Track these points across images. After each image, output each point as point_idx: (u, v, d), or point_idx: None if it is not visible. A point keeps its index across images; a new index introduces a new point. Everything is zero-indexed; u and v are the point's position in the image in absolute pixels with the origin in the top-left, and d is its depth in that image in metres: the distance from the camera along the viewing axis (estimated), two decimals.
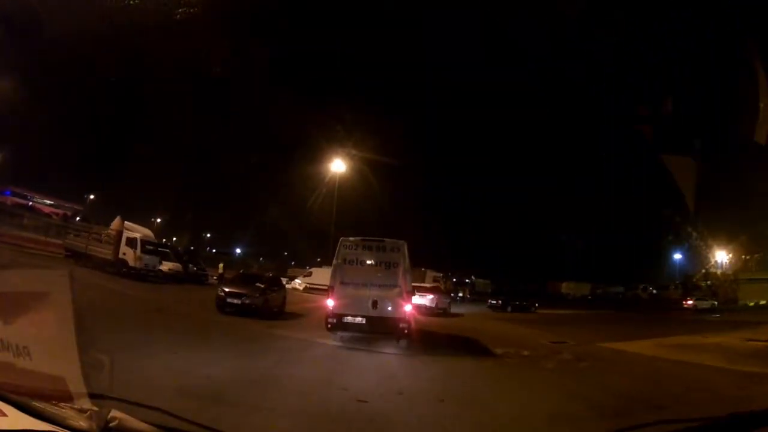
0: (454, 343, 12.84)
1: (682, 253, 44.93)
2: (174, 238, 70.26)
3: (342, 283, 10.19)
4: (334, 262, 10.44)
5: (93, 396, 1.71)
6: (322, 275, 35.58)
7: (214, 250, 65.41)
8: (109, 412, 1.47)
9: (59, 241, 22.37)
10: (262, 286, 14.31)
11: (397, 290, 10.09)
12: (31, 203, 33.94)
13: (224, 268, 29.68)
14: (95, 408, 1.52)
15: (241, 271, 27.03)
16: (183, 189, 42.65)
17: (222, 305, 13.32)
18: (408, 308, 10.10)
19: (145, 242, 20.32)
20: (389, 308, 9.98)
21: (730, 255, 41.36)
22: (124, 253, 19.57)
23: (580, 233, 45.42)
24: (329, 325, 10.06)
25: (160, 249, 22.84)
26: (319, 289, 32.99)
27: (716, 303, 33.85)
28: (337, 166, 32.60)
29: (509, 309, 28.34)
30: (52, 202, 35.06)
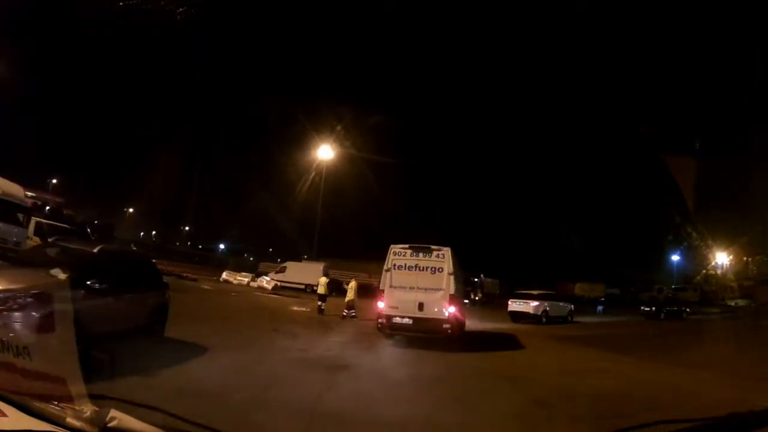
0: None
1: (687, 254, 44.51)
2: (154, 232, 70.40)
3: (391, 286, 11.15)
4: (385, 267, 11.35)
5: (93, 396, 1.71)
6: (298, 271, 28.85)
7: (200, 246, 65.25)
8: (109, 412, 1.47)
9: None
10: (62, 276, 5.57)
11: (441, 293, 10.91)
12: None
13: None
14: (95, 408, 1.52)
15: (49, 240, 11.67)
16: (162, 181, 42.27)
17: None
18: (452, 310, 10.89)
19: None
20: (434, 310, 10.83)
21: (730, 256, 40.84)
22: None
23: (582, 233, 45.05)
24: (379, 326, 11.12)
25: (46, 222, 15.98)
26: (293, 289, 26.85)
27: None
28: (326, 154, 31.37)
29: (662, 316, 26.14)
30: (33, 194, 34.86)
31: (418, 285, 11.01)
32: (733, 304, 36.35)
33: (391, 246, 11.46)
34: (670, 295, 45.34)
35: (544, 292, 22.91)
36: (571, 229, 44.53)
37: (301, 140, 32.17)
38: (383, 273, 11.37)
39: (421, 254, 11.25)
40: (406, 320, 10.84)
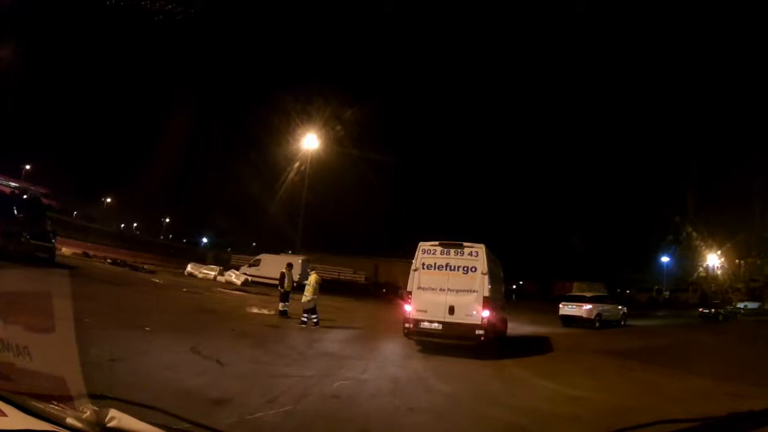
0: None
1: (683, 255, 44.52)
2: (135, 224, 70.73)
3: (420, 288, 10.33)
4: (413, 267, 10.52)
5: (93, 396, 1.71)
6: (273, 265, 25.45)
7: (184, 240, 65.87)
8: (109, 412, 1.47)
9: None
10: None
11: (474, 295, 10.04)
12: None
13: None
14: (95, 408, 1.52)
15: None
16: (149, 174, 42.11)
17: None
18: (486, 314, 9.93)
19: None
20: (466, 314, 9.96)
21: (721, 258, 40.31)
22: None
23: (579, 231, 45.16)
24: (406, 331, 10.28)
25: None
26: (266, 285, 24.07)
27: None
28: (314, 145, 30.89)
29: (720, 318, 26.18)
30: (17, 184, 34.69)
31: (449, 286, 10.14)
32: (741, 306, 36.06)
33: (420, 243, 10.62)
34: (667, 295, 45.39)
35: (597, 294, 21.70)
36: (568, 226, 44.69)
37: (295, 134, 31.91)
38: (411, 273, 10.50)
39: (452, 252, 10.37)
40: (435, 325, 9.96)
